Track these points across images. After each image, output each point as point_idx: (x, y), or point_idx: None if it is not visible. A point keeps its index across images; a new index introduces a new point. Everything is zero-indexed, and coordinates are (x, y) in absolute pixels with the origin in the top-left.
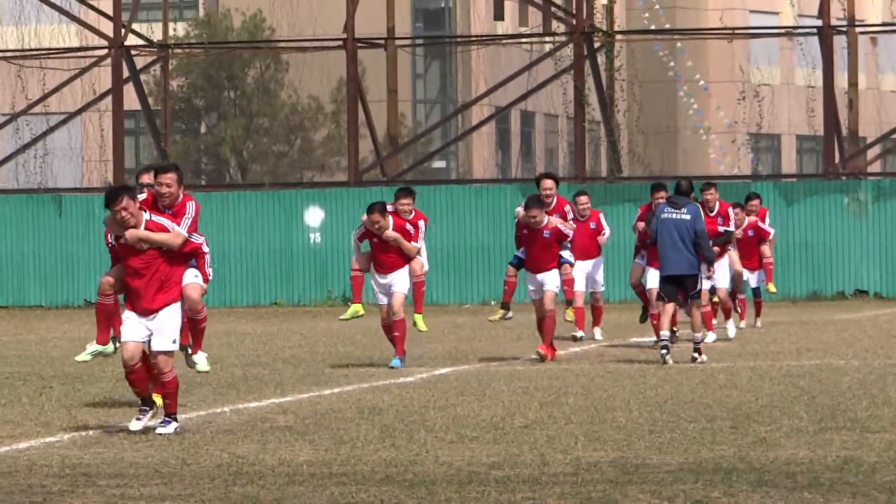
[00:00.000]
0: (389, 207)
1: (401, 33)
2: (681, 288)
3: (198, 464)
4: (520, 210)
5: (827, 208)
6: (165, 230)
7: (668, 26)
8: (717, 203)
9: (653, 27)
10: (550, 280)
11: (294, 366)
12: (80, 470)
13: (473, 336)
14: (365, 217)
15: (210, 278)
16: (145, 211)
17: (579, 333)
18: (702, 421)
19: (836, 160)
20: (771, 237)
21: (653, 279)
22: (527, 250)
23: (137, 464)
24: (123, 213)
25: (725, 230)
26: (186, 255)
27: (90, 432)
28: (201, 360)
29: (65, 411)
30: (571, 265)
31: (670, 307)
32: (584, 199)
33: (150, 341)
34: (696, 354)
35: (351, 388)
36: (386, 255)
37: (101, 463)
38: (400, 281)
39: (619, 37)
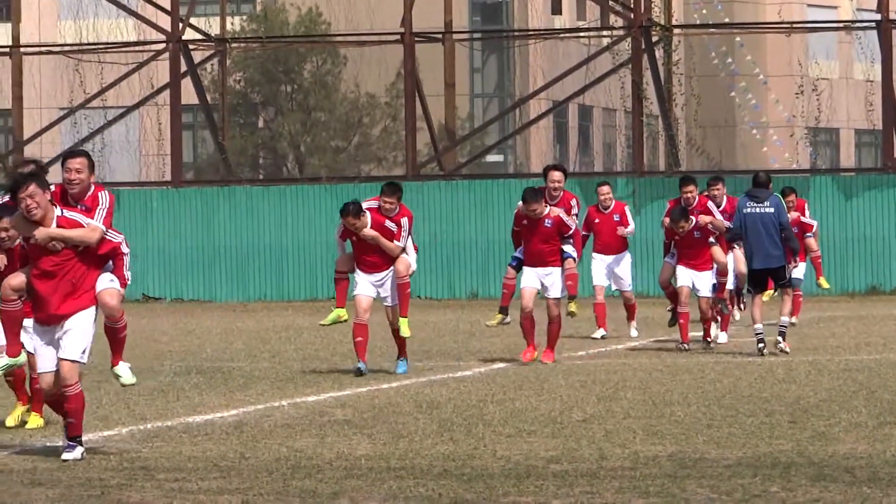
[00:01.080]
0: (374, 203)
1: (458, 27)
2: (767, 278)
3: (256, 457)
4: (521, 204)
5: (885, 202)
6: (79, 226)
7: (727, 20)
8: (725, 198)
9: (711, 21)
10: (554, 287)
11: (352, 360)
12: (139, 464)
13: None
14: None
15: (128, 282)
16: (56, 206)
17: (600, 333)
18: (760, 415)
19: (895, 154)
20: (814, 229)
21: (683, 279)
22: (527, 244)
23: (196, 457)
24: (29, 202)
25: (729, 226)
26: (104, 258)
27: (148, 426)
28: (124, 371)
29: (123, 405)
30: (575, 260)
31: (759, 299)
32: (605, 189)
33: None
34: (780, 339)
35: (409, 382)
36: (368, 256)
37: (159, 457)
38: (390, 293)
39: (676, 31)
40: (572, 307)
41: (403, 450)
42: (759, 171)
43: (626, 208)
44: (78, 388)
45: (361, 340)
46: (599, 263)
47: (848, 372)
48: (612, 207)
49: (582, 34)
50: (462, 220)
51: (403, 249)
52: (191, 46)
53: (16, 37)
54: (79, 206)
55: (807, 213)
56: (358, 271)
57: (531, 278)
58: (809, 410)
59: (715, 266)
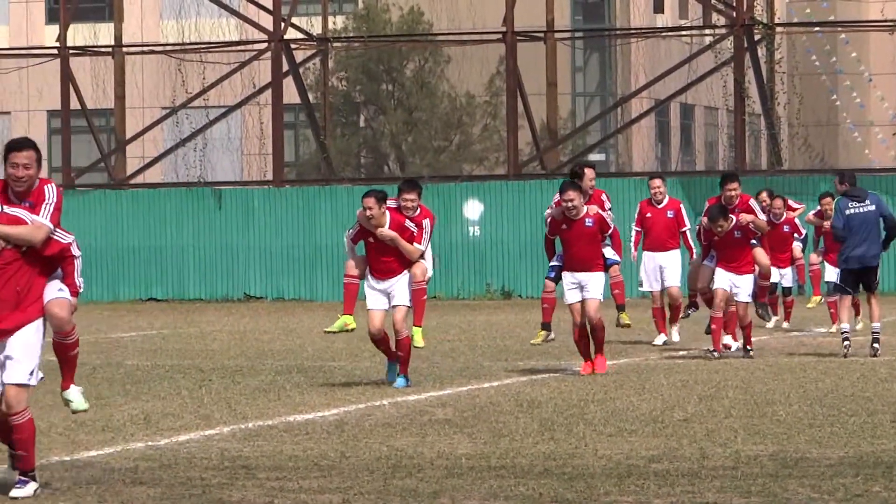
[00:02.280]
0: (393, 204)
1: (560, 26)
2: (861, 280)
3: (356, 457)
4: (550, 210)
5: None
6: (22, 223)
7: (832, 18)
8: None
9: (814, 19)
10: (594, 286)
11: (453, 359)
12: (240, 463)
13: (632, 330)
14: (359, 211)
15: (81, 290)
16: None
17: (661, 339)
18: (862, 415)
19: None
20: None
21: (721, 280)
22: (568, 248)
23: (296, 457)
24: None
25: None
26: (52, 262)
27: (249, 425)
28: (75, 395)
29: (224, 404)
30: (619, 264)
31: (848, 300)
32: (656, 182)
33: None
34: (876, 345)
35: (510, 381)
36: (383, 258)
37: (259, 456)
38: (401, 292)
39: (779, 29)
40: (625, 318)
41: (504, 449)
42: (849, 171)
43: (682, 206)
44: (27, 416)
45: (403, 356)
46: (651, 263)
47: None
48: (665, 202)
49: (684, 33)
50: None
51: (422, 255)
52: (293, 46)
53: (118, 37)
54: (23, 204)
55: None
56: (369, 278)
57: (574, 291)
58: None
59: (757, 269)
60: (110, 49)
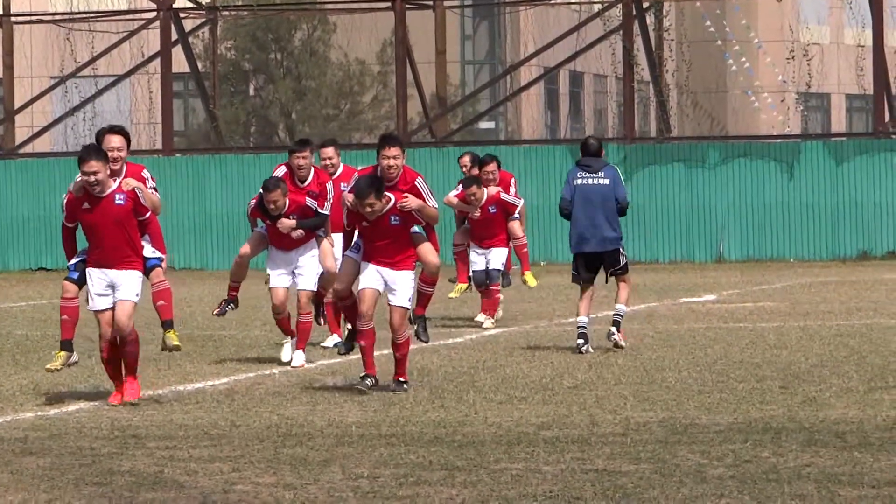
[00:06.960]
0: None
1: None
2: (599, 266)
3: (247, 425)
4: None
5: (876, 167)
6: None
7: None
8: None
9: None
10: (125, 288)
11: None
12: (130, 432)
13: (521, 298)
14: None
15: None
16: None
17: (331, 340)
18: (751, 381)
19: (886, 119)
20: (519, 209)
21: (369, 278)
22: (91, 238)
23: (187, 426)
24: None
25: (319, 211)
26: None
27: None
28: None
29: None
30: (160, 265)
31: (589, 291)
32: (329, 150)
33: None
34: (613, 329)
35: None
36: None
37: (150, 425)
38: None
39: None
40: (172, 337)
41: (394, 417)
42: (590, 138)
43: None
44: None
45: None
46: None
47: (839, 337)
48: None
49: (573, 1)
50: (454, 187)
51: None
52: (181, 14)
53: (6, 5)
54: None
55: (511, 189)
56: None
57: (104, 297)
58: (800, 376)
59: (418, 268)
60: None
